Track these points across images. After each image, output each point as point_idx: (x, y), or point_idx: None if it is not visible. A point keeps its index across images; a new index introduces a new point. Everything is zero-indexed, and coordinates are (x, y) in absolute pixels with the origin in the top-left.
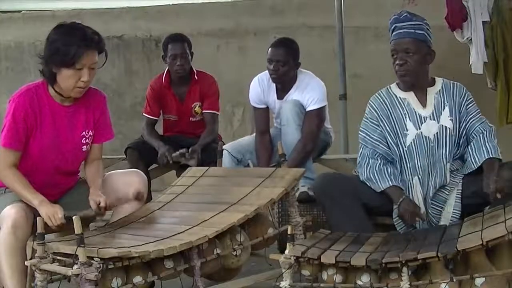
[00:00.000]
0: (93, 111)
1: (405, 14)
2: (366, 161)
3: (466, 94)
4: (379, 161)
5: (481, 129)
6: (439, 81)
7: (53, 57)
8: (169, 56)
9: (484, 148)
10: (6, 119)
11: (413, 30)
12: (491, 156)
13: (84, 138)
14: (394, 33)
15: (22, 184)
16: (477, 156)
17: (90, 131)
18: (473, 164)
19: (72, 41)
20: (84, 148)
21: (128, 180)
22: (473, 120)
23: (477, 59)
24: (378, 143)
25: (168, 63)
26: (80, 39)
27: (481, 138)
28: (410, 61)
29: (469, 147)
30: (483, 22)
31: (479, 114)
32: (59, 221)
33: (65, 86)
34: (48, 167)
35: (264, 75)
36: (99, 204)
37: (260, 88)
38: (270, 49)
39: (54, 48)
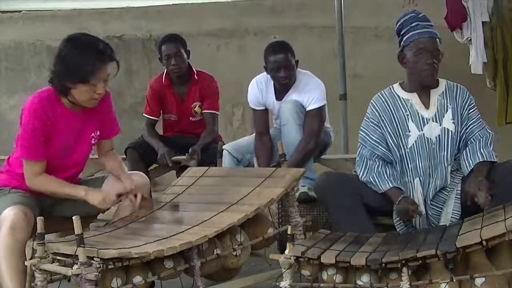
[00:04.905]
0: (100, 110)
1: (422, 14)
2: (364, 162)
3: (469, 98)
4: (377, 163)
5: (480, 135)
6: (442, 82)
7: (68, 74)
8: (163, 57)
9: (478, 154)
10: (22, 131)
11: (434, 31)
12: (483, 160)
13: (93, 139)
14: (418, 31)
15: (58, 184)
16: (471, 161)
17: (98, 131)
18: (466, 169)
19: (87, 58)
20: (93, 147)
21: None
22: (473, 126)
23: (476, 60)
24: (377, 144)
25: (164, 64)
26: (95, 55)
27: (477, 144)
28: (437, 62)
29: (464, 152)
30: (483, 23)
31: (479, 120)
32: (112, 203)
33: (80, 99)
34: (58, 166)
35: (262, 77)
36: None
37: (258, 90)
38: (271, 57)
39: (69, 65)
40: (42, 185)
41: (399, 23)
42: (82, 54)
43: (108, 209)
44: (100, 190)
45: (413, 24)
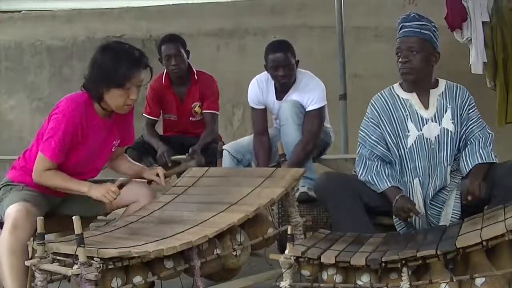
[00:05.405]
0: (125, 119)
1: (413, 14)
2: (363, 161)
3: (469, 98)
4: (376, 163)
5: (479, 135)
6: (442, 82)
7: (103, 79)
8: (163, 57)
9: (477, 154)
10: (52, 130)
11: (419, 30)
12: (482, 162)
13: (114, 147)
14: (400, 32)
15: (63, 179)
16: (470, 162)
17: (119, 139)
18: (465, 170)
19: (123, 63)
20: (112, 154)
21: (136, 192)
22: (473, 126)
23: (476, 60)
24: (376, 144)
25: (164, 64)
26: (130, 60)
27: (476, 144)
28: (413, 59)
29: (463, 152)
30: (483, 23)
31: (479, 120)
32: (115, 194)
33: (114, 104)
34: (78, 171)
35: (263, 76)
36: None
37: (259, 89)
38: (270, 56)
39: (105, 70)
40: (48, 179)
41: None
42: (118, 60)
43: (112, 210)
44: (106, 184)
45: (400, 26)
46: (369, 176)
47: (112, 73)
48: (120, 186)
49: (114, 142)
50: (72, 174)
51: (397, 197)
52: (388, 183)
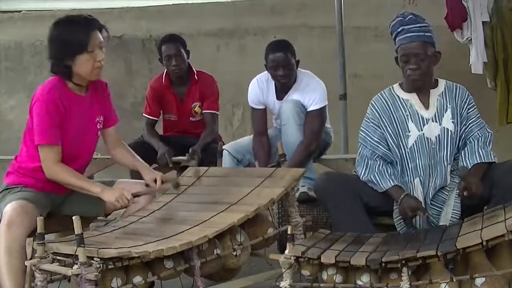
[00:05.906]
0: (101, 96)
1: (410, 16)
2: (365, 162)
3: (469, 98)
4: (378, 162)
5: (478, 134)
6: (442, 82)
7: (64, 49)
8: (164, 57)
9: (477, 154)
10: (37, 117)
11: (422, 33)
12: (481, 161)
13: (98, 124)
14: (402, 36)
15: (75, 176)
16: (469, 161)
17: (102, 116)
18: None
19: (76, 28)
20: (98, 133)
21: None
22: (473, 125)
23: (477, 59)
24: (377, 144)
25: (164, 64)
26: (83, 24)
27: (475, 144)
28: (422, 65)
29: (462, 152)
30: (483, 22)
31: (479, 119)
32: (129, 201)
33: (84, 71)
34: (70, 155)
35: (263, 76)
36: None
37: (259, 89)
38: (270, 55)
39: (62, 41)
40: (60, 173)
41: (390, 27)
42: (71, 27)
43: (113, 211)
44: (119, 188)
45: (399, 29)
46: (371, 176)
47: (71, 41)
48: (134, 195)
49: (97, 118)
50: (68, 160)
51: (401, 196)
52: (391, 182)
